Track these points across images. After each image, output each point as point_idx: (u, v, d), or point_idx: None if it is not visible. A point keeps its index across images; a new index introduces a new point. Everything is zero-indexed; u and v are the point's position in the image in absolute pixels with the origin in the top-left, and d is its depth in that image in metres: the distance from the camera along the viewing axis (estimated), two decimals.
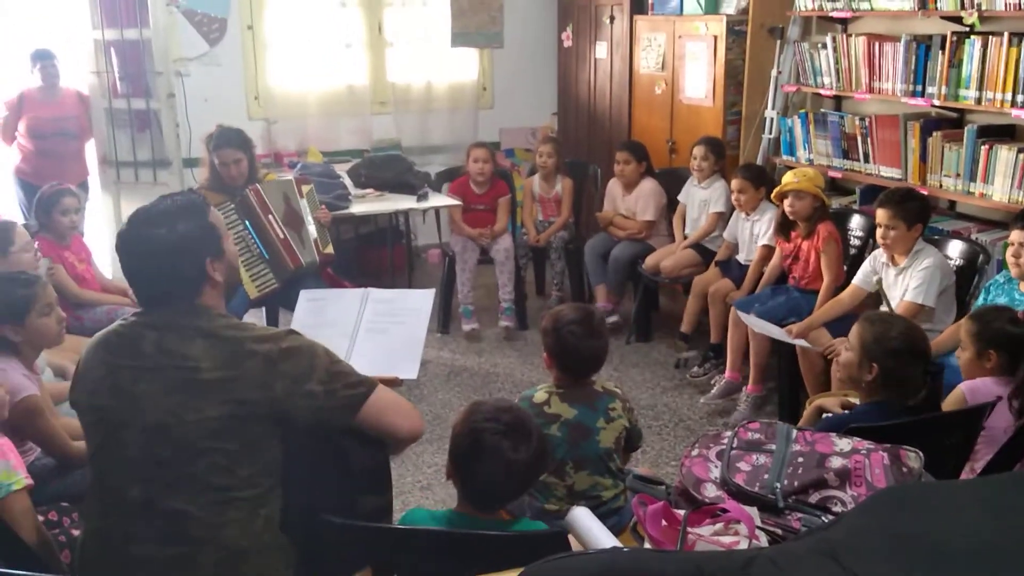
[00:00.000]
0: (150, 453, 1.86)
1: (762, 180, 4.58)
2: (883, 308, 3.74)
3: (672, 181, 5.31)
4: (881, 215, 3.67)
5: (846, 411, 2.70)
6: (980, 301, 3.43)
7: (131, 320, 1.98)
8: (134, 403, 1.88)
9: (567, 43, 6.74)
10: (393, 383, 2.57)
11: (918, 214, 3.66)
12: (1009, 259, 3.25)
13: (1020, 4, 3.69)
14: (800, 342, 3.87)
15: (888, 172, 4.44)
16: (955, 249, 3.93)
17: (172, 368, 1.87)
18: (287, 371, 1.89)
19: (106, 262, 4.98)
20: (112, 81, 5.77)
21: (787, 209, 4.16)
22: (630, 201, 5.34)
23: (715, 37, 5.26)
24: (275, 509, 1.94)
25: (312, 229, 4.43)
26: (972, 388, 2.68)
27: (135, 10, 5.60)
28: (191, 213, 2.00)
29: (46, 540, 2.27)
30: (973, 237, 3.99)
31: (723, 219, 4.88)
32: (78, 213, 4.32)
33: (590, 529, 1.92)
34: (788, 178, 4.18)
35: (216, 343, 1.89)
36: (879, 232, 3.70)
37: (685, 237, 5.09)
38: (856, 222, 4.41)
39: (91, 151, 5.91)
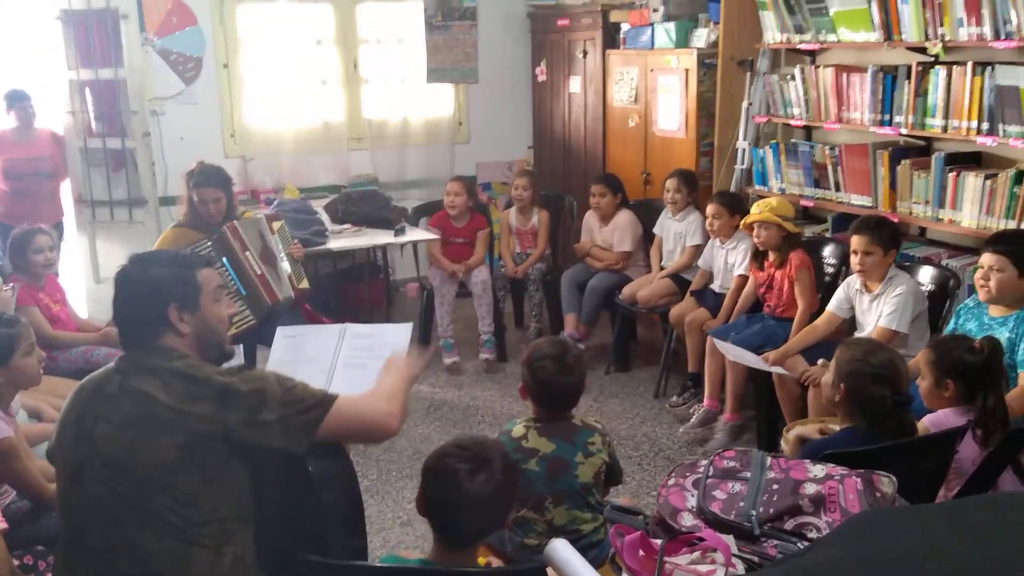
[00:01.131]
0: (110, 492, 1.89)
1: (737, 208, 4.64)
2: (858, 335, 3.79)
3: (647, 213, 5.36)
4: (857, 242, 3.72)
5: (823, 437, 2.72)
6: (951, 325, 3.47)
7: (106, 368, 2.04)
8: (92, 444, 1.91)
9: (541, 77, 6.82)
10: None
11: (892, 240, 3.72)
12: (977, 282, 3.29)
13: (982, 35, 3.77)
14: (777, 369, 3.90)
15: (859, 200, 4.51)
16: (926, 275, 3.99)
17: (129, 406, 1.91)
18: (240, 403, 1.91)
19: (82, 303, 4.96)
20: (87, 121, 5.77)
21: (755, 240, 4.22)
22: (607, 233, 5.39)
23: (686, 70, 5.34)
24: (245, 548, 1.94)
25: (285, 265, 4.44)
26: (935, 422, 2.71)
27: (110, 50, 5.62)
28: (175, 263, 2.09)
29: None
30: (943, 263, 4.05)
31: (700, 251, 4.93)
32: (52, 251, 4.30)
33: (569, 561, 1.92)
34: (753, 209, 4.24)
35: (172, 379, 1.93)
36: (855, 259, 3.75)
37: (662, 268, 5.13)
38: (829, 250, 4.46)
39: (67, 191, 5.89)
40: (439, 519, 1.97)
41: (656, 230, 5.23)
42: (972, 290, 3.57)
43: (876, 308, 3.74)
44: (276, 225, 4.51)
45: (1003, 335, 3.14)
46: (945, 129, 4.02)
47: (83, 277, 5.89)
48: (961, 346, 2.76)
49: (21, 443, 2.69)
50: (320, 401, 1.99)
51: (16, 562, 2.32)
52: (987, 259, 3.26)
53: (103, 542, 1.89)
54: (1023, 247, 3.22)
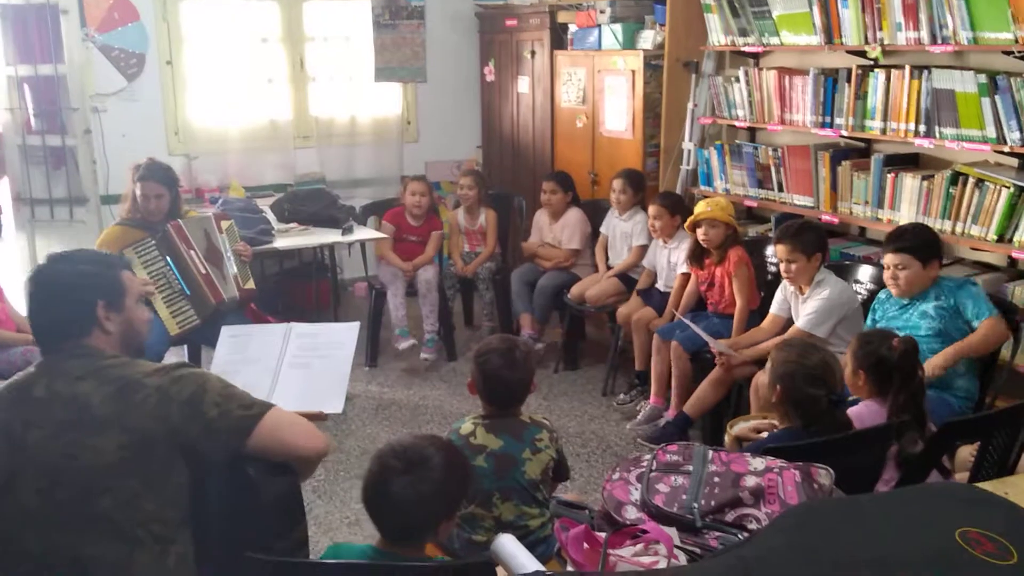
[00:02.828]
0: (46, 500, 1.83)
1: (678, 208, 4.70)
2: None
3: (595, 212, 5.40)
4: (780, 250, 3.80)
5: (762, 434, 2.78)
6: (868, 320, 3.57)
7: (25, 373, 1.98)
8: (24, 452, 1.85)
9: (490, 77, 6.83)
10: (318, 418, 2.55)
11: (815, 244, 3.78)
12: (888, 281, 3.40)
13: (920, 39, 3.87)
14: (727, 349, 3.93)
15: (801, 200, 4.59)
16: (865, 273, 4.08)
17: (62, 410, 1.86)
18: (180, 396, 1.89)
19: (20, 302, 4.84)
20: (26, 117, 5.65)
21: (701, 238, 4.28)
22: (556, 230, 5.42)
23: (633, 72, 5.39)
24: (187, 546, 1.91)
25: (232, 264, 4.39)
26: (857, 414, 2.78)
27: (49, 45, 5.51)
28: (100, 262, 2.07)
29: None
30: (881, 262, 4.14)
31: (645, 251, 4.98)
32: None
33: (515, 555, 1.94)
34: (700, 207, 4.30)
35: (105, 380, 1.89)
36: (781, 266, 3.83)
37: (609, 268, 5.18)
38: (771, 250, 4.53)
39: (4, 189, 5.76)
40: (373, 516, 1.98)
41: (603, 229, 5.28)
42: None
43: (804, 308, 3.82)
44: (225, 224, 4.47)
45: (928, 304, 3.32)
46: (884, 131, 4.12)
47: (21, 277, 5.76)
48: (881, 341, 2.84)
49: None
50: (258, 402, 1.98)
51: None
52: (890, 259, 3.37)
53: (39, 550, 1.83)
54: (918, 241, 3.35)
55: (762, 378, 2.78)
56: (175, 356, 4.62)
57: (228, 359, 2.91)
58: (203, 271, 4.22)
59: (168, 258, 4.18)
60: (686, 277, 4.57)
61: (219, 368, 2.83)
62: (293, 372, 2.81)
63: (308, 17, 6.40)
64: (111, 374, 1.91)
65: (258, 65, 6.28)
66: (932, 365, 3.17)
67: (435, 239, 5.54)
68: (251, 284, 4.50)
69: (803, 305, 3.82)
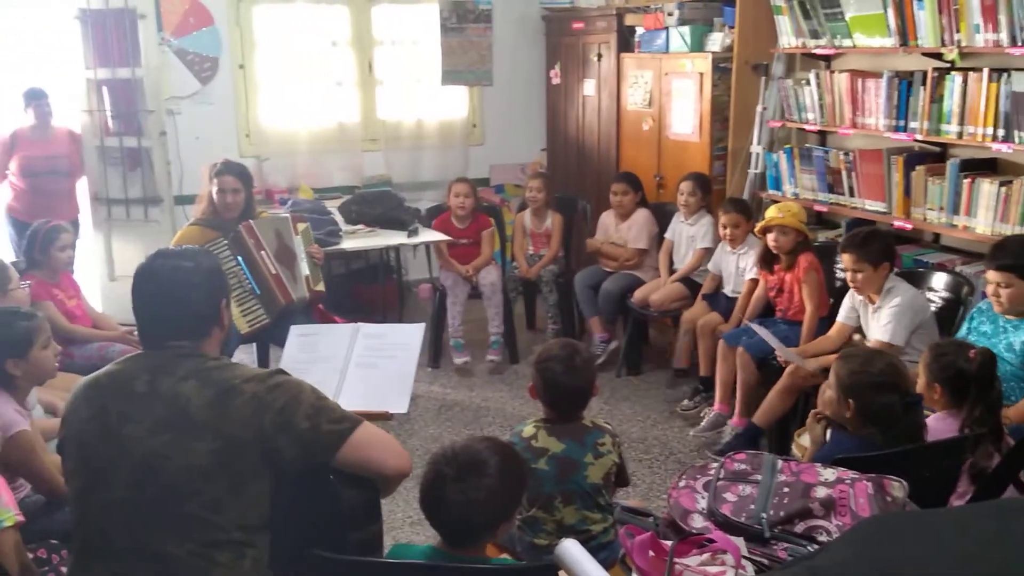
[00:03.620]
0: (136, 495, 1.85)
1: (751, 213, 4.65)
2: (867, 344, 3.78)
3: (660, 216, 5.37)
4: (846, 259, 3.72)
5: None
6: (963, 329, 3.47)
7: (125, 362, 1.99)
8: (120, 445, 1.87)
9: (555, 80, 6.83)
10: (383, 418, 2.59)
11: (882, 253, 3.68)
12: (991, 298, 3.29)
13: (999, 41, 3.76)
14: (797, 358, 3.87)
15: (873, 206, 4.50)
16: (940, 281, 3.98)
17: (162, 408, 1.87)
18: (274, 405, 1.89)
19: (96, 300, 5.00)
20: (104, 120, 5.81)
21: (771, 244, 4.22)
22: (623, 230, 5.40)
23: (701, 74, 5.34)
24: (262, 550, 1.93)
25: (305, 266, 4.46)
26: (930, 426, 2.70)
27: (127, 49, 5.66)
28: (210, 256, 2.09)
29: None
30: (957, 269, 4.04)
31: (709, 254, 4.93)
32: (73, 249, 4.34)
33: (579, 562, 1.93)
34: (772, 213, 4.23)
35: (207, 383, 1.90)
36: (848, 276, 3.75)
37: (673, 272, 5.14)
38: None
39: (83, 189, 5.94)
40: (430, 520, 1.99)
41: (668, 234, 5.24)
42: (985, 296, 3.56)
43: (876, 319, 3.74)
44: (301, 227, 4.55)
45: (1019, 337, 3.16)
46: (960, 135, 4.01)
47: (98, 275, 5.93)
48: (957, 353, 2.76)
49: (36, 438, 2.71)
50: (348, 416, 1.98)
51: (30, 555, 2.34)
52: (992, 276, 3.25)
53: (125, 544, 1.85)
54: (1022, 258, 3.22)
55: (829, 392, 2.71)
56: (244, 354, 4.72)
57: (297, 358, 2.96)
58: (273, 271, 4.29)
59: (239, 258, 4.27)
60: (755, 282, 4.51)
61: (287, 366, 2.87)
62: (360, 372, 2.85)
63: (377, 21, 6.48)
64: (213, 377, 1.91)
65: (327, 68, 6.38)
66: (1009, 417, 3.01)
67: (488, 238, 5.54)
68: (321, 286, 4.57)
69: (875, 315, 3.73)
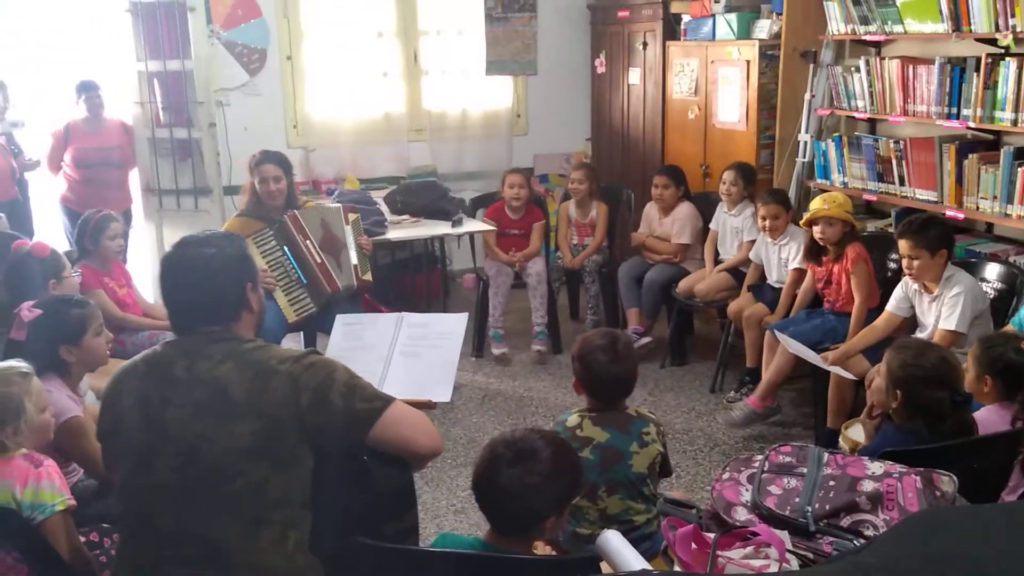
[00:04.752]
0: (181, 479, 1.88)
1: (788, 204, 4.60)
2: (919, 334, 3.72)
3: (706, 205, 5.32)
4: (903, 246, 3.65)
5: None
6: (1016, 318, 3.40)
7: (161, 348, 2.02)
8: (163, 430, 1.90)
9: (600, 69, 6.79)
10: (427, 406, 2.60)
11: (940, 240, 3.61)
12: None
13: None
14: (836, 369, 3.84)
15: (924, 195, 4.42)
16: (993, 271, 3.90)
17: (201, 392, 1.91)
18: (309, 384, 1.91)
19: (148, 289, 5.08)
20: (155, 111, 5.91)
21: (817, 236, 4.15)
22: (666, 224, 5.36)
23: (748, 62, 5.27)
24: (305, 530, 1.95)
25: (353, 255, 4.50)
26: (980, 419, 2.65)
27: (178, 42, 5.74)
28: (234, 241, 2.10)
29: (87, 560, 2.31)
30: (1011, 259, 3.95)
31: None
32: (124, 238, 4.42)
33: (620, 552, 1.93)
34: (817, 204, 4.16)
35: (244, 365, 1.93)
36: (904, 263, 3.68)
37: (718, 263, 5.09)
38: (892, 245, 4.38)
39: (135, 180, 6.04)
40: (481, 505, 2.01)
41: (712, 225, 5.19)
42: None
43: (935, 309, 3.66)
44: (352, 217, 4.59)
45: None
46: (1015, 123, 3.92)
47: (149, 264, 6.04)
48: (1007, 344, 2.70)
49: (89, 423, 2.76)
50: (381, 395, 2.00)
51: (83, 539, 2.39)
52: None
53: (171, 526, 1.89)
54: None
55: (877, 380, 2.67)
56: (292, 342, 4.77)
57: (342, 346, 2.99)
58: (318, 260, 4.34)
59: (285, 247, 4.32)
60: (798, 273, 4.45)
61: (333, 355, 2.90)
62: (404, 360, 2.87)
63: (422, 11, 6.49)
64: (249, 359, 1.94)
65: (373, 59, 6.41)
66: None
67: (538, 230, 5.54)
68: (369, 275, 4.60)
69: (932, 305, 3.67)
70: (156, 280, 5.55)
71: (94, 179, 5.73)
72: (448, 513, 3.72)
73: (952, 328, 3.54)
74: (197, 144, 5.88)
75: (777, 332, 4.13)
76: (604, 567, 1.94)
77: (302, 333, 4.72)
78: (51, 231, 5.94)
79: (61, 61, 6.67)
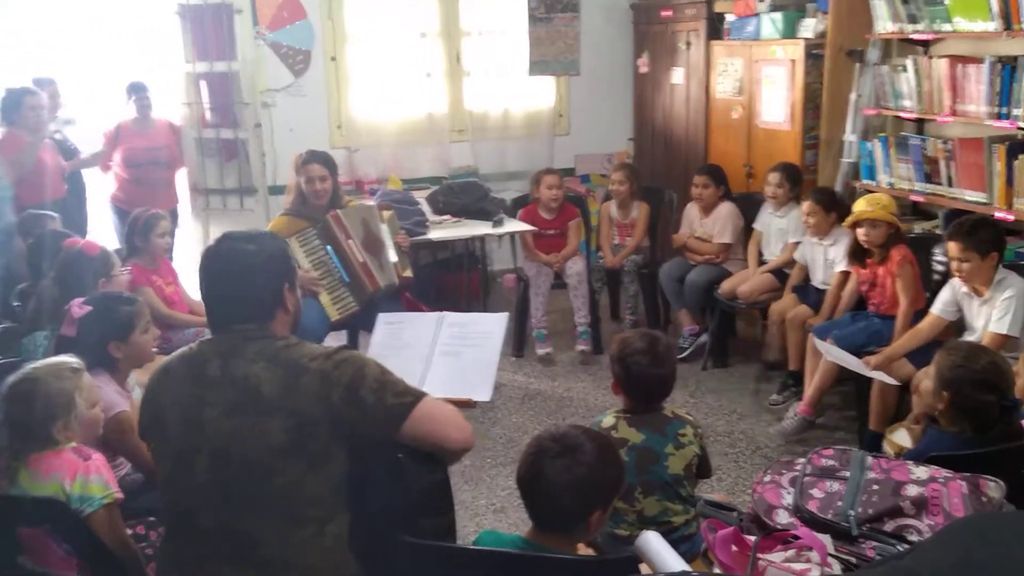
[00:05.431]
0: (218, 477, 1.90)
1: (833, 205, 4.53)
2: (967, 338, 3.65)
3: (749, 206, 5.28)
4: (952, 248, 3.59)
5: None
6: None
7: (196, 347, 2.04)
8: (201, 429, 1.93)
9: (643, 69, 6.77)
10: (467, 405, 2.61)
11: (991, 243, 3.55)
12: None
13: None
14: (878, 374, 3.78)
15: (973, 196, 4.34)
16: None
17: (234, 391, 1.93)
18: (341, 380, 1.92)
19: (194, 287, 5.16)
20: (202, 112, 6.00)
21: (861, 238, 4.09)
22: (707, 224, 5.33)
23: (793, 61, 5.22)
24: (343, 527, 1.97)
25: (392, 253, 4.53)
26: None
27: (224, 43, 5.83)
28: (278, 240, 2.12)
29: (133, 553, 2.34)
30: None
31: None
32: (172, 236, 4.50)
33: (660, 553, 1.92)
34: (861, 206, 4.11)
35: (276, 363, 1.94)
36: (953, 265, 3.62)
37: (762, 263, 5.05)
38: (939, 247, 4.31)
39: (182, 179, 6.14)
40: (526, 501, 2.01)
41: (757, 225, 5.15)
42: None
43: (986, 313, 3.60)
44: (387, 215, 4.62)
45: None
46: None
47: (195, 262, 6.11)
48: None
49: (136, 418, 2.82)
50: (412, 390, 2.01)
51: (129, 531, 2.43)
52: None
53: (211, 525, 1.91)
54: None
55: (925, 382, 2.63)
56: (335, 340, 4.81)
57: (384, 344, 3.01)
58: (361, 259, 4.37)
59: (329, 247, 4.36)
60: (844, 275, 4.40)
61: (375, 352, 2.93)
62: (444, 359, 2.88)
63: (465, 12, 6.51)
64: (281, 357, 1.95)
65: (416, 60, 6.46)
66: None
67: (575, 229, 5.53)
68: (409, 272, 4.64)
69: (983, 308, 3.60)
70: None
71: (143, 178, 5.83)
72: (488, 512, 3.73)
73: (1003, 332, 3.48)
74: (243, 144, 5.96)
75: (816, 340, 4.08)
76: (643, 568, 1.93)
77: (345, 331, 4.76)
78: (101, 229, 6.05)
79: (111, 62, 6.79)
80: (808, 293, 4.65)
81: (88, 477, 2.27)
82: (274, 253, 2.07)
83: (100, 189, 6.08)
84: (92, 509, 2.24)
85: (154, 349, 3.02)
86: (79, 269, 3.49)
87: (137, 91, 5.83)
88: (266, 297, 2.03)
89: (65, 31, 7.37)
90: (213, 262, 2.06)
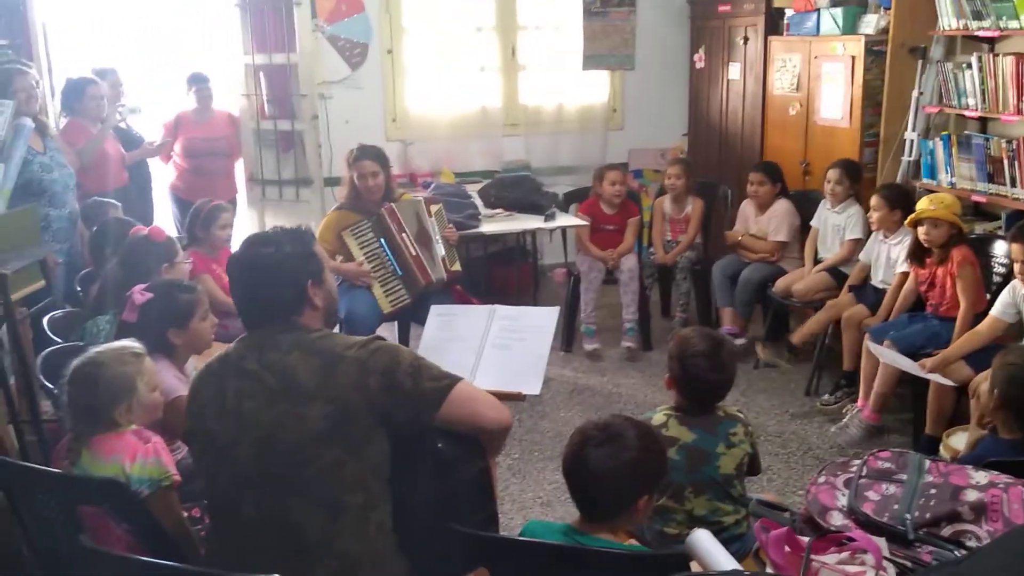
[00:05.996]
0: (260, 468, 1.95)
1: (899, 202, 4.44)
2: None
3: (806, 204, 5.21)
4: (1016, 251, 3.52)
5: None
6: None
7: (233, 346, 2.10)
8: (240, 421, 1.98)
9: (699, 64, 6.71)
10: (516, 398, 2.63)
11: None
12: None
13: None
14: (935, 377, 3.71)
15: None
16: None
17: (273, 381, 1.97)
18: (376, 367, 1.96)
19: None
20: (260, 103, 6.08)
21: (922, 237, 4.02)
22: (763, 222, 5.27)
23: (852, 58, 5.14)
24: (386, 515, 2.00)
25: (440, 247, 4.55)
26: None
27: (283, 36, 5.89)
28: (297, 239, 2.15)
29: (189, 535, 2.39)
30: None
31: (860, 246, 4.75)
32: (232, 227, 4.57)
33: (711, 552, 1.92)
34: (923, 205, 4.03)
35: (311, 353, 1.99)
36: (1016, 268, 3.54)
37: (818, 262, 4.98)
38: (1001, 249, 4.21)
39: (240, 169, 6.23)
40: (572, 488, 2.04)
41: (814, 222, 5.07)
42: None
43: None
44: (434, 208, 4.64)
45: None
46: None
47: None
48: None
49: None
50: (448, 374, 2.05)
51: (185, 514, 2.48)
52: None
53: (254, 514, 1.95)
54: None
55: (984, 385, 2.58)
56: (386, 332, 4.85)
57: (436, 336, 3.04)
58: (414, 253, 4.41)
59: (382, 240, 4.39)
60: (905, 276, 4.32)
61: (427, 344, 2.96)
62: (495, 352, 2.89)
63: (521, 6, 6.52)
64: (317, 347, 2.00)
65: (472, 54, 6.48)
66: None
67: (633, 227, 5.50)
68: (457, 266, 4.65)
69: None
70: None
71: (202, 168, 5.93)
72: (535, 505, 3.73)
73: None
74: (300, 136, 6.03)
75: (871, 344, 4.02)
76: (694, 566, 1.92)
77: (396, 323, 4.80)
78: (160, 218, 6.16)
79: (173, 53, 6.92)
80: (866, 293, 4.58)
81: (147, 459, 2.32)
82: (293, 252, 2.10)
83: (159, 178, 6.19)
84: (151, 491, 2.29)
85: (212, 336, 3.06)
86: (145, 254, 3.56)
87: (198, 82, 5.93)
88: (289, 296, 2.08)
89: (126, 23, 7.53)
90: (236, 268, 2.13)
